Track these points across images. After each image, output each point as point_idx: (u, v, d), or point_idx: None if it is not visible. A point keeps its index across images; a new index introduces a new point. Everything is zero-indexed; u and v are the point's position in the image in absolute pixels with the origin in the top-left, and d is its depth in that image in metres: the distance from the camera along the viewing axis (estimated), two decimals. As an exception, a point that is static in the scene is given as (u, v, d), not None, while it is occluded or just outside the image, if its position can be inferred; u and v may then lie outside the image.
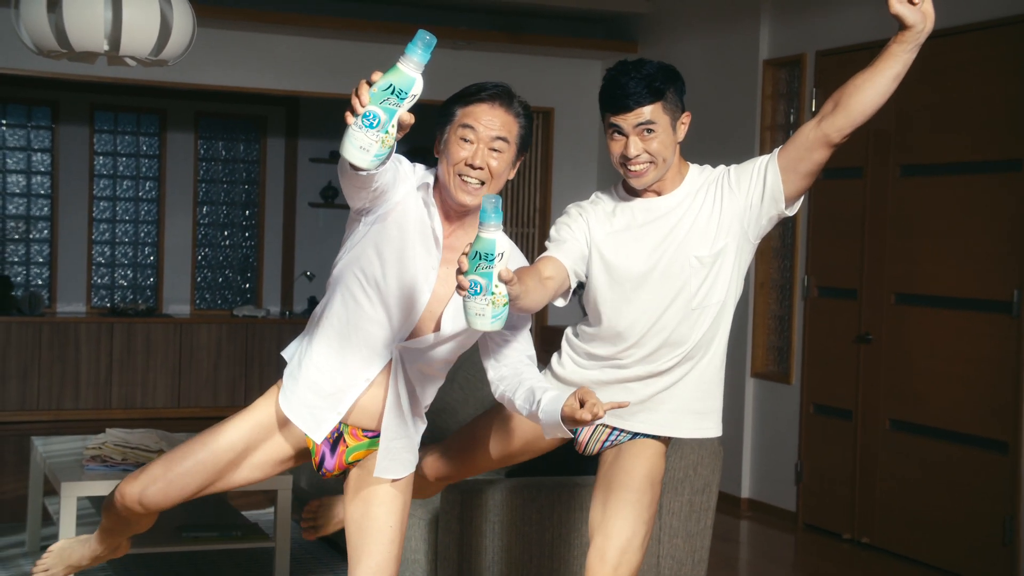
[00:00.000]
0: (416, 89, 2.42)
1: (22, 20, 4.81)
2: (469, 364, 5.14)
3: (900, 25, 2.80)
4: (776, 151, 3.04)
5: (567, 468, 4.38)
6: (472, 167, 2.82)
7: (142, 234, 10.06)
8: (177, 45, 4.92)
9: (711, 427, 3.22)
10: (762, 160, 3.06)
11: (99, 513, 4.18)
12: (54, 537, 4.77)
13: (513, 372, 2.89)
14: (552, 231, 3.13)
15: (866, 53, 5.97)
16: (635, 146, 3.00)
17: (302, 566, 5.11)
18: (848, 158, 5.91)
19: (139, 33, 4.78)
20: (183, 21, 4.89)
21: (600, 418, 2.63)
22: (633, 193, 3.13)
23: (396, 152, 2.65)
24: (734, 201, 3.06)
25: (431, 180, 2.88)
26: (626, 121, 3.00)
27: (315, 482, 5.29)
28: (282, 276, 10.40)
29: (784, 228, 6.77)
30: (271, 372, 9.45)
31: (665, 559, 4.44)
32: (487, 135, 2.83)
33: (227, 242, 10.35)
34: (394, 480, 3.01)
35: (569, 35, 8.54)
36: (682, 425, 3.18)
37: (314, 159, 10.41)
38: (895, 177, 6.00)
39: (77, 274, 9.81)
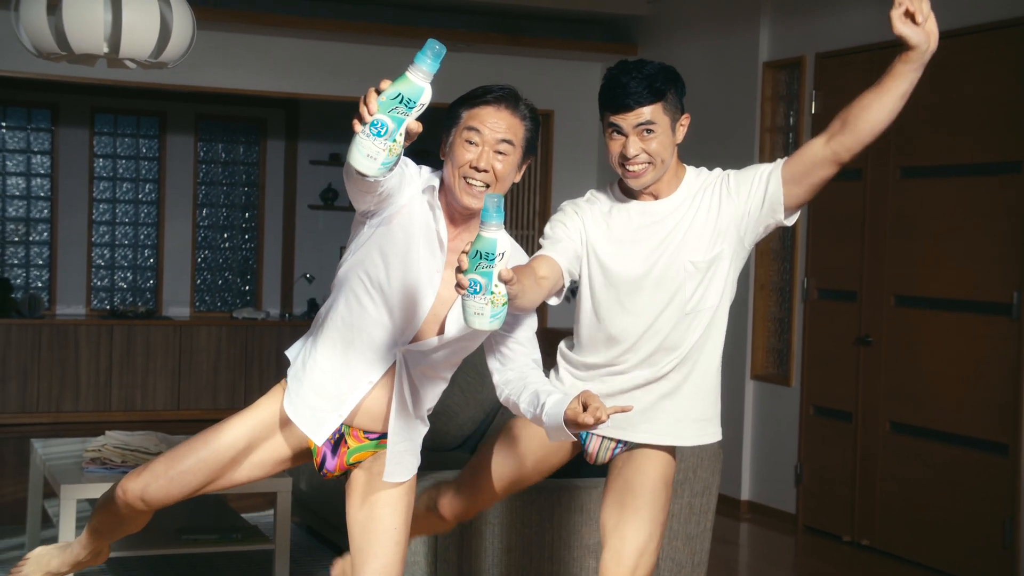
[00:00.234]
0: (424, 99, 2.43)
1: (22, 22, 4.81)
2: (469, 367, 5.13)
3: (904, 45, 2.79)
4: (780, 161, 3.04)
5: (567, 470, 4.37)
6: (477, 169, 2.81)
7: (142, 236, 10.05)
8: (177, 47, 4.92)
9: (712, 432, 3.23)
10: (764, 169, 3.05)
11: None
12: (54, 539, 4.75)
13: (518, 376, 2.89)
14: (547, 228, 3.11)
15: (866, 55, 5.98)
16: (634, 146, 2.99)
17: (301, 568, 5.11)
18: (848, 160, 5.91)
19: (139, 35, 4.78)
20: (183, 23, 4.89)
21: (603, 422, 2.62)
22: (629, 194, 3.12)
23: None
24: (732, 207, 3.05)
25: (436, 183, 2.87)
26: (626, 121, 2.99)
27: (315, 483, 5.28)
28: (282, 278, 10.39)
29: (784, 230, 6.76)
30: (271, 374, 9.44)
31: (665, 562, 4.44)
32: (492, 137, 2.82)
33: (227, 244, 10.35)
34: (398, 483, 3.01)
35: (568, 37, 8.53)
36: (684, 434, 3.18)
37: (314, 161, 10.40)
38: (895, 179, 5.99)
39: (77, 276, 9.81)
